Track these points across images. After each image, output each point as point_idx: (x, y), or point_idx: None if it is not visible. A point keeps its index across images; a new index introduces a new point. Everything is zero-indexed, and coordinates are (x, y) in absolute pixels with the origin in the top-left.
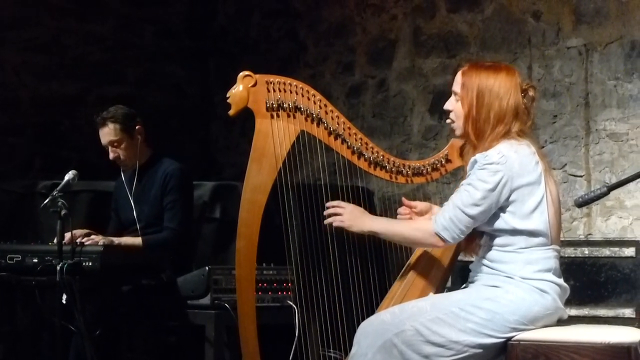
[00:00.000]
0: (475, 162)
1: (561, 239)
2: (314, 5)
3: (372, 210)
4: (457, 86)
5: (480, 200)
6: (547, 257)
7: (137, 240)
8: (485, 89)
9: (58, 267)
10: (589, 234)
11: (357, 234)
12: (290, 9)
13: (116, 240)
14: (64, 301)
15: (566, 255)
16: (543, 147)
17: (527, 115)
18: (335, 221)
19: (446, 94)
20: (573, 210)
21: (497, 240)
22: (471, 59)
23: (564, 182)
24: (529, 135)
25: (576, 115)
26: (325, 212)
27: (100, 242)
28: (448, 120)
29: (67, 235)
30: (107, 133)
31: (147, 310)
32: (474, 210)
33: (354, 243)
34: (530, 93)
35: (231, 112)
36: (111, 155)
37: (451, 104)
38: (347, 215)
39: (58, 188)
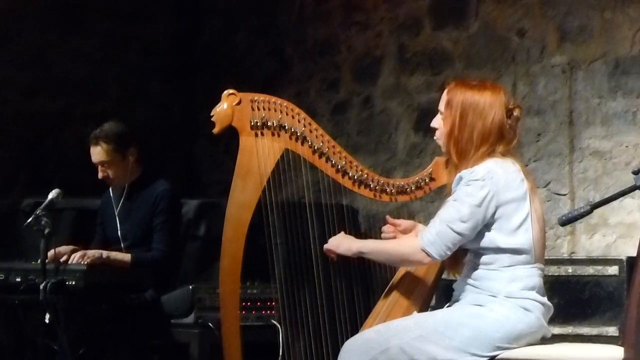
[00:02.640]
0: (461, 178)
1: (545, 257)
2: (298, 23)
3: (356, 229)
4: (442, 104)
5: (467, 216)
6: (531, 275)
7: (127, 257)
8: (469, 107)
9: (41, 286)
10: (573, 252)
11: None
12: (275, 26)
13: (105, 253)
14: (47, 320)
15: (550, 274)
16: (527, 165)
17: (512, 135)
18: (326, 246)
19: (431, 111)
20: (557, 229)
21: (482, 259)
22: (457, 77)
23: (548, 200)
24: (513, 154)
25: (560, 133)
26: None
27: (90, 254)
28: (435, 137)
29: (51, 254)
30: (99, 153)
31: (130, 329)
32: (461, 227)
33: (338, 262)
34: (516, 113)
35: (215, 130)
36: (100, 175)
37: (437, 122)
38: (336, 238)
39: (41, 206)
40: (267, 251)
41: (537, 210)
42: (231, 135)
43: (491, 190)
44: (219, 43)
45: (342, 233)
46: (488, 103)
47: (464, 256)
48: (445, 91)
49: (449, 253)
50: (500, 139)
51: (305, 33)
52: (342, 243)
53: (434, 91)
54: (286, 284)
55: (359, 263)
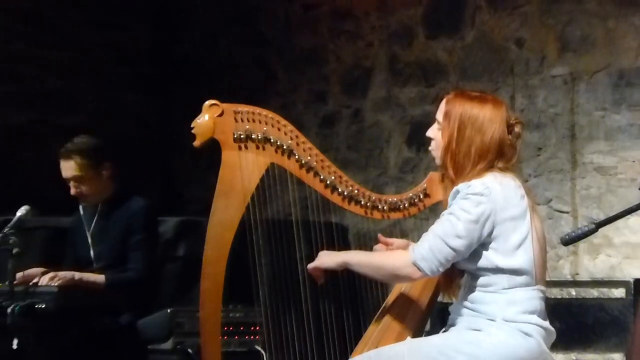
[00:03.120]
0: (458, 192)
1: (547, 278)
2: (284, 31)
3: (346, 247)
4: (439, 114)
5: (463, 232)
6: (532, 297)
7: (100, 278)
8: (468, 120)
9: (9, 310)
10: (576, 274)
11: (330, 273)
12: (260, 35)
13: (77, 274)
14: (15, 346)
15: (552, 296)
16: (527, 181)
17: (512, 153)
18: (310, 265)
19: (424, 125)
20: (559, 249)
21: (479, 280)
22: (457, 87)
23: (549, 219)
24: (513, 171)
25: (561, 147)
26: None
27: (61, 276)
28: (430, 147)
29: (19, 275)
30: (71, 168)
31: (104, 356)
32: (457, 243)
33: (327, 283)
34: (517, 129)
35: (196, 143)
36: (73, 191)
37: (433, 132)
38: (321, 254)
39: (9, 225)
40: (250, 272)
41: (537, 229)
42: (213, 148)
43: (488, 207)
44: (199, 52)
45: (324, 251)
46: (488, 118)
47: (460, 278)
48: (444, 101)
49: (441, 270)
50: (500, 156)
51: (291, 42)
52: (325, 258)
53: (427, 104)
54: (271, 307)
55: (349, 284)
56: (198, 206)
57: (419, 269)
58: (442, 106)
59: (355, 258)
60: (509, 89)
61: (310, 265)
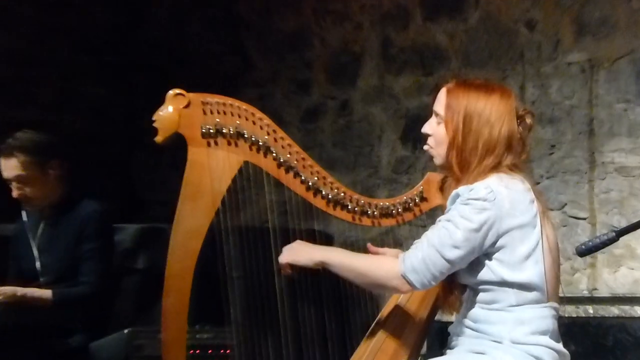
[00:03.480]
0: (458, 195)
1: (560, 294)
2: (263, 13)
3: None
4: (439, 106)
5: (461, 242)
6: (543, 316)
7: (47, 293)
8: (474, 112)
9: None
10: (594, 289)
11: (312, 282)
12: (235, 17)
13: (20, 290)
14: None
15: (566, 315)
16: (538, 183)
17: (522, 147)
18: (280, 258)
19: (421, 118)
20: (574, 260)
21: (482, 296)
22: (457, 76)
23: (564, 226)
24: (522, 169)
25: (578, 145)
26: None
27: (2, 292)
28: (426, 147)
29: None
30: (13, 166)
31: None
32: (453, 254)
33: (309, 299)
34: (528, 121)
35: (158, 138)
36: (15, 193)
37: (431, 127)
38: (294, 247)
39: None
40: (221, 287)
41: (549, 238)
42: (178, 145)
43: (493, 214)
44: (165, 37)
45: (298, 240)
46: (496, 108)
47: (462, 292)
48: (444, 91)
49: (434, 283)
50: (509, 151)
51: (270, 24)
52: (300, 252)
53: (424, 94)
54: (244, 327)
55: (335, 300)
56: (160, 211)
57: (408, 282)
58: (442, 97)
59: (336, 258)
60: (519, 78)
61: (283, 259)
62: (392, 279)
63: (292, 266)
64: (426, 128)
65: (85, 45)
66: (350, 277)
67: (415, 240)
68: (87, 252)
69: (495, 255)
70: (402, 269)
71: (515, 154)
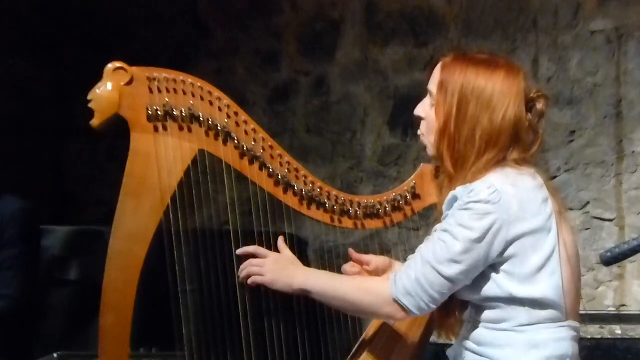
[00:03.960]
0: (456, 199)
1: (581, 311)
2: None
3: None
4: (433, 84)
5: (461, 255)
6: (560, 338)
7: None
8: (471, 93)
9: None
10: (622, 305)
11: (282, 296)
12: None
13: None
14: None
15: (588, 336)
16: (555, 177)
17: (533, 138)
18: (253, 276)
19: (413, 99)
20: (598, 271)
21: (487, 314)
22: (457, 48)
23: (586, 229)
24: (533, 164)
25: (603, 131)
26: (241, 270)
27: None
28: (419, 133)
29: None
30: None
31: None
32: (453, 270)
33: (279, 316)
34: (539, 106)
35: (95, 122)
36: None
37: (424, 109)
38: (269, 267)
39: None
40: (171, 303)
41: (567, 245)
42: (119, 130)
43: (499, 218)
44: (103, 2)
45: (276, 255)
46: (499, 90)
47: (462, 310)
48: (439, 66)
49: (433, 306)
50: (515, 143)
51: None
52: (278, 276)
53: (417, 70)
54: (199, 351)
55: (310, 318)
56: (97, 211)
57: (402, 307)
58: (437, 73)
59: (317, 284)
60: (531, 50)
61: (257, 281)
62: (383, 306)
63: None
64: (419, 110)
65: (6, 14)
66: (336, 305)
67: (409, 257)
68: (7, 260)
69: (503, 267)
70: (394, 292)
71: (523, 147)
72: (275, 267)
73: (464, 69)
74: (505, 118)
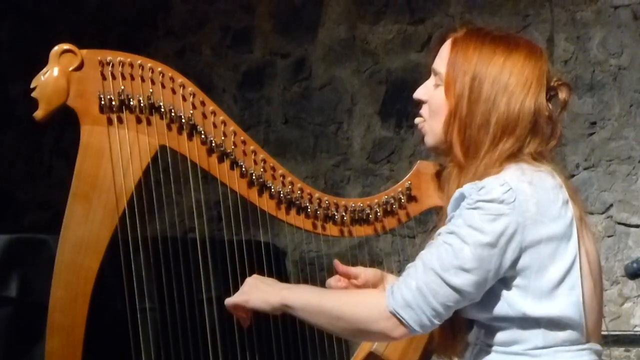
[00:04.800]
0: (464, 197)
1: (603, 332)
2: None
3: (282, 280)
4: (440, 63)
5: (471, 262)
6: None
7: None
8: (487, 74)
9: None
10: None
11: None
12: None
13: None
14: None
15: None
16: (573, 175)
17: (552, 130)
18: (230, 300)
19: (408, 84)
20: (624, 284)
21: (497, 337)
22: (469, 22)
23: (609, 236)
24: (550, 159)
25: (629, 121)
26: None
27: None
28: (418, 119)
29: None
30: None
31: None
32: (461, 279)
33: (253, 338)
34: (562, 95)
35: (39, 113)
36: None
37: (426, 91)
38: (244, 287)
39: None
40: (128, 323)
41: (589, 254)
42: (67, 122)
43: (513, 221)
44: None
45: (255, 276)
46: (519, 71)
47: (467, 330)
48: (449, 43)
49: (437, 322)
50: (533, 134)
51: None
52: (253, 292)
53: (413, 50)
54: None
55: (290, 340)
56: (41, 216)
57: (400, 321)
58: (446, 51)
59: (300, 299)
60: (545, 28)
61: (231, 301)
62: (377, 321)
63: (247, 312)
64: (420, 92)
65: None
66: (322, 323)
67: (408, 265)
68: None
69: (516, 282)
70: (391, 304)
71: (542, 139)
72: (252, 284)
73: (478, 46)
74: (525, 104)
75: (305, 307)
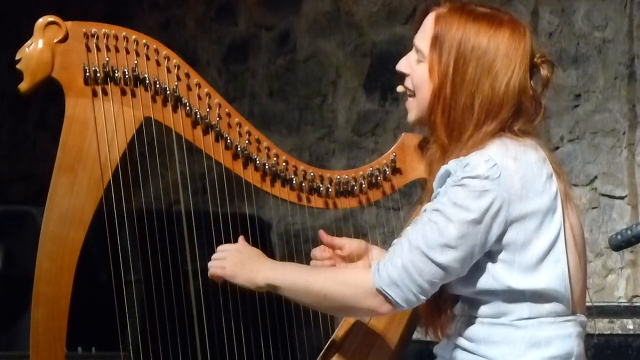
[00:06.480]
0: (449, 174)
1: (588, 304)
2: None
3: (268, 253)
4: (422, 38)
5: (456, 239)
6: (566, 335)
7: None
8: (472, 53)
9: None
10: (635, 296)
11: (242, 290)
12: None
13: None
14: None
15: (597, 332)
16: (557, 148)
17: (536, 108)
18: (213, 268)
19: (393, 57)
20: (608, 256)
21: (482, 309)
22: None
23: (593, 208)
24: (534, 135)
25: (613, 94)
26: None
27: None
28: (400, 88)
29: None
30: None
31: None
32: (446, 256)
33: (238, 312)
34: (545, 72)
35: (24, 86)
36: None
37: (408, 64)
38: (231, 258)
39: None
40: (113, 295)
41: (573, 227)
42: (52, 95)
43: (498, 197)
44: None
45: (239, 245)
46: (503, 51)
47: (452, 304)
48: (431, 18)
49: (423, 298)
50: (517, 114)
51: None
52: (238, 269)
53: (398, 23)
54: (145, 352)
55: (275, 314)
56: (25, 188)
57: (387, 299)
58: (428, 26)
59: (285, 278)
60: (529, 0)
61: (213, 271)
62: (364, 299)
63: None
64: (402, 64)
65: None
66: (308, 302)
67: (394, 242)
68: None
69: (501, 256)
70: (377, 282)
71: (526, 119)
72: (237, 259)
73: (462, 24)
74: (509, 85)
75: (291, 287)
